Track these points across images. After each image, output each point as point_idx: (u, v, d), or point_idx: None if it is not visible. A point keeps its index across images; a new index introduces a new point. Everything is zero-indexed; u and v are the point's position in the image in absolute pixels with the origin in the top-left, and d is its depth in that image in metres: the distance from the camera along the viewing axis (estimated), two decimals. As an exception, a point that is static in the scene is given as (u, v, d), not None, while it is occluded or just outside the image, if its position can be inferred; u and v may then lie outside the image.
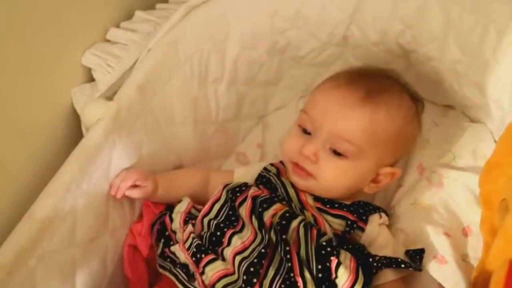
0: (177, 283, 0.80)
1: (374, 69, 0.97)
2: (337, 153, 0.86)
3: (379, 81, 0.92)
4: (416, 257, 0.84)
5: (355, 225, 0.86)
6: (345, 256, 0.79)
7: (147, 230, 0.92)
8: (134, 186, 0.87)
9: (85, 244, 0.81)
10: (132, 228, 0.92)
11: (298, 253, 0.78)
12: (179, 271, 0.81)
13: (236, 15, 1.01)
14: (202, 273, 0.79)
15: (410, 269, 0.81)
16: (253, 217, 0.85)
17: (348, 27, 1.03)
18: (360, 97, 0.87)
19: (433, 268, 0.85)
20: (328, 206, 0.89)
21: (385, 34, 1.00)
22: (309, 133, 0.90)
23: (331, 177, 0.87)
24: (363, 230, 0.87)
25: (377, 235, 0.87)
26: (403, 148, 0.94)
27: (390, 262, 0.80)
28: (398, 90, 0.92)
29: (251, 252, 0.80)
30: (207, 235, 0.85)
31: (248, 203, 0.86)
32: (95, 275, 0.83)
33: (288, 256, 0.78)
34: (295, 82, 1.17)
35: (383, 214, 0.90)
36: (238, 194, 0.90)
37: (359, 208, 0.89)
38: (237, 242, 0.82)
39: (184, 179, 0.99)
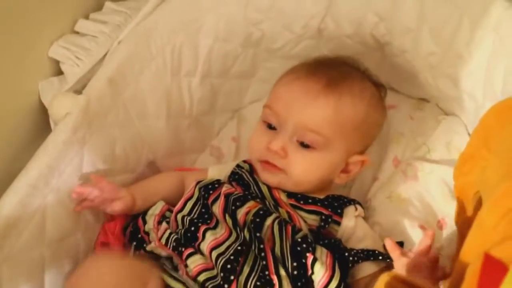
0: (162, 273, 0.77)
1: (332, 57, 0.97)
2: (305, 145, 0.86)
3: (339, 69, 0.91)
4: None
5: (330, 219, 0.85)
6: (321, 252, 0.78)
7: (119, 230, 0.90)
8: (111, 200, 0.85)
9: (55, 243, 0.79)
10: (105, 226, 0.90)
11: (273, 251, 0.78)
12: (164, 261, 0.80)
13: (209, 6, 0.99)
14: (186, 265, 0.78)
15: (388, 260, 0.80)
16: (227, 215, 0.83)
17: (323, 19, 1.02)
18: (322, 87, 0.86)
19: (409, 260, 0.85)
20: (301, 202, 0.88)
21: (360, 26, 0.99)
22: (274, 128, 0.89)
23: (301, 170, 0.86)
24: (339, 224, 0.86)
25: (354, 228, 0.87)
26: (370, 135, 0.93)
27: (368, 255, 0.80)
28: (359, 77, 0.92)
29: (227, 249, 0.79)
30: (182, 232, 0.83)
31: (221, 201, 0.85)
32: (65, 274, 0.81)
33: (263, 254, 0.77)
34: (271, 75, 1.15)
35: (358, 206, 0.90)
36: (211, 192, 0.88)
37: (333, 202, 0.88)
38: (210, 237, 0.81)
39: (159, 185, 0.96)
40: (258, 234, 0.78)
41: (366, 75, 0.94)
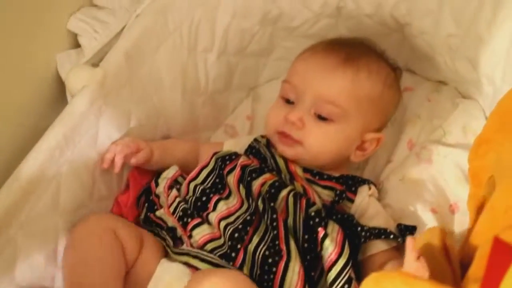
0: (167, 248, 0.80)
1: (350, 37, 1.00)
2: (322, 118, 0.87)
3: (357, 47, 0.94)
4: (406, 232, 0.84)
5: (344, 195, 0.86)
6: (333, 228, 0.78)
7: (133, 202, 0.91)
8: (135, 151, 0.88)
9: (68, 213, 0.81)
10: (118, 199, 0.91)
11: (285, 222, 0.78)
12: (166, 235, 0.82)
13: (228, -19, 0.99)
14: (190, 237, 0.79)
15: (399, 240, 0.80)
16: (241, 185, 0.84)
17: (342, -2, 1.00)
18: (340, 60, 0.89)
19: (418, 244, 0.85)
20: (317, 177, 0.89)
21: (380, 5, 0.97)
22: (292, 103, 0.90)
23: (318, 141, 0.88)
24: (352, 201, 0.87)
25: (367, 206, 0.87)
26: (385, 113, 0.95)
27: (379, 233, 0.80)
28: (376, 56, 0.95)
29: (236, 219, 0.80)
30: (192, 200, 0.85)
31: (237, 172, 0.86)
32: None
33: (275, 223, 0.78)
34: (288, 53, 1.14)
35: (372, 186, 0.90)
36: (228, 162, 0.89)
37: (348, 180, 0.89)
38: (223, 207, 0.82)
39: (176, 147, 0.98)
40: (272, 204, 0.79)
41: (382, 56, 0.96)
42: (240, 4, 1.01)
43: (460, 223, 0.87)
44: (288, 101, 0.91)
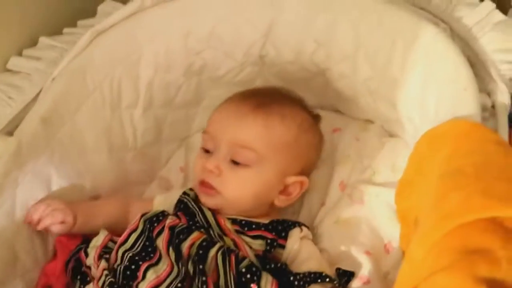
0: None
1: (267, 87, 1.04)
2: (238, 164, 0.89)
3: (271, 95, 0.97)
4: (344, 277, 0.83)
5: (275, 243, 0.85)
6: (266, 280, 0.77)
7: (61, 269, 0.87)
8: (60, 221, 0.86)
9: (-12, 293, 0.76)
10: (45, 269, 0.87)
11: (216, 284, 0.76)
12: None
13: (147, 37, 0.98)
14: None
15: (335, 282, 0.80)
16: (170, 248, 0.82)
17: (263, 46, 1.01)
18: (251, 107, 0.92)
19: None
20: (246, 228, 0.88)
21: (299, 52, 0.99)
22: (210, 152, 0.93)
23: (235, 188, 0.89)
24: (284, 247, 0.86)
25: (298, 250, 0.87)
26: (305, 156, 0.96)
27: (315, 278, 0.79)
28: (289, 103, 0.97)
29: (168, 287, 0.77)
30: (121, 269, 0.82)
31: (165, 234, 0.84)
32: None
33: (204, 286, 0.75)
34: (217, 101, 1.12)
35: (304, 228, 0.90)
36: (156, 224, 0.87)
37: (278, 225, 0.89)
38: (152, 276, 0.79)
39: (102, 208, 0.96)
40: (201, 267, 0.77)
41: (298, 103, 0.98)
42: (162, 59, 1.00)
43: (395, 263, 0.87)
44: (207, 151, 0.93)
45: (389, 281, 0.86)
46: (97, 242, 0.88)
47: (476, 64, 0.83)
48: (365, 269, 0.85)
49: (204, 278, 0.76)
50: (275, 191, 0.92)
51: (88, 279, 0.84)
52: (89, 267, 0.86)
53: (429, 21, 0.81)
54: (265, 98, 0.95)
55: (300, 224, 0.90)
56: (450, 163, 0.61)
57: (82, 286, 0.84)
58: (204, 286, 0.75)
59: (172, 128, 1.11)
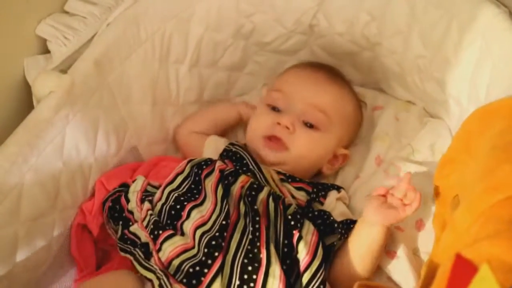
0: (134, 262, 0.78)
1: (326, 64, 1.08)
2: (309, 126, 0.93)
3: (335, 72, 1.05)
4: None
5: (316, 197, 0.91)
6: (308, 229, 0.81)
7: (98, 209, 0.90)
8: None
9: (29, 222, 0.78)
10: (82, 207, 0.89)
11: (267, 226, 0.79)
12: (138, 251, 0.80)
13: (201, -6, 0.99)
14: (159, 250, 0.78)
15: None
16: (220, 186, 0.85)
17: (315, 16, 1.01)
18: (327, 77, 0.99)
19: (383, 262, 0.86)
20: (290, 180, 0.93)
21: (351, 24, 0.99)
22: (279, 111, 0.96)
23: (304, 146, 0.94)
24: (322, 204, 0.91)
25: (333, 208, 0.90)
26: (354, 132, 1.04)
27: (351, 223, 0.85)
28: (348, 82, 1.06)
29: (212, 225, 0.80)
30: (167, 208, 0.84)
31: (215, 174, 0.87)
32: (38, 253, 0.80)
33: (257, 226, 0.78)
34: (259, 69, 1.15)
35: (342, 190, 0.94)
36: (204, 167, 0.89)
37: (319, 185, 0.94)
38: (196, 215, 0.81)
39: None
40: (255, 207, 0.81)
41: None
42: (213, 17, 1.01)
43: (426, 240, 0.88)
44: (275, 109, 0.97)
45: (418, 257, 0.87)
46: (136, 187, 0.91)
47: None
48: (394, 245, 0.87)
49: (257, 218, 0.79)
50: (327, 159, 0.98)
51: (131, 223, 0.86)
52: (131, 212, 0.88)
53: (490, 1, 0.81)
54: (332, 73, 1.02)
55: (338, 188, 0.94)
56: (504, 137, 0.62)
57: (125, 230, 0.85)
58: (257, 226, 0.78)
59: (214, 90, 1.12)
